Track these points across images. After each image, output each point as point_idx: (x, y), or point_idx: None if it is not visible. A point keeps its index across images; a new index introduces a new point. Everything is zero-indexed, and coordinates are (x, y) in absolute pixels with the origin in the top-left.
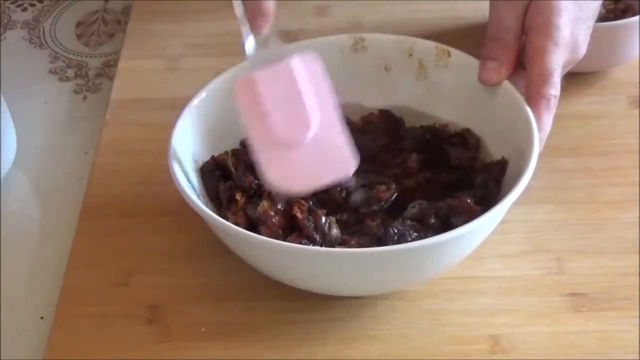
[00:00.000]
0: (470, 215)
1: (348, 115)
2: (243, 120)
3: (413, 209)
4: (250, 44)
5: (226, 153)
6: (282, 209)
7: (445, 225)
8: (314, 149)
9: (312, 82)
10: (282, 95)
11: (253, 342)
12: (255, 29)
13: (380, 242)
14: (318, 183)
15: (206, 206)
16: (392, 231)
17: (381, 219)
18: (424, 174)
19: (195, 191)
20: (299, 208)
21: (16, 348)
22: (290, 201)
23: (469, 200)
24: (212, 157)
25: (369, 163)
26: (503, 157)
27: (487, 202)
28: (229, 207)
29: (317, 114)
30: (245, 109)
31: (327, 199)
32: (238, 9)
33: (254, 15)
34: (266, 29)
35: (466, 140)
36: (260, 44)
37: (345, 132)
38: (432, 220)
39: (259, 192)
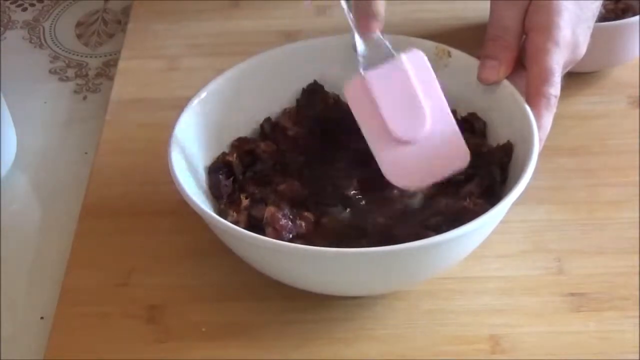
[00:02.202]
0: (473, 216)
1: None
2: (357, 120)
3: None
4: (359, 44)
5: (231, 153)
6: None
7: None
8: (429, 144)
9: (423, 79)
10: (396, 94)
11: (253, 342)
12: (364, 29)
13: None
14: (434, 177)
15: (208, 203)
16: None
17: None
18: None
19: (195, 191)
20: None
21: (16, 348)
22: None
23: (468, 201)
24: (223, 154)
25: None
26: (508, 141)
27: (493, 190)
28: (229, 204)
29: (430, 111)
30: (358, 109)
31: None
32: (345, 6)
33: (362, 15)
34: (377, 31)
35: (473, 125)
36: (370, 45)
37: (457, 127)
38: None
39: (263, 197)
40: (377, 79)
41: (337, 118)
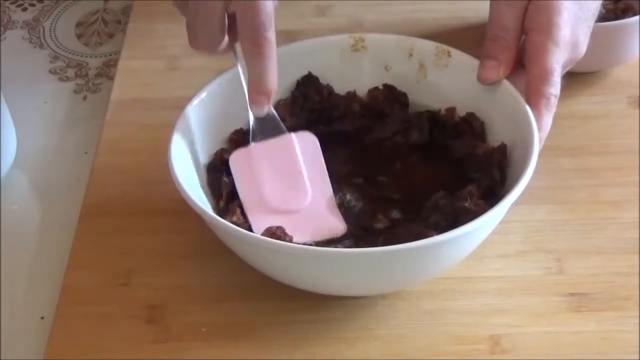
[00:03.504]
0: (473, 217)
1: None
2: (237, 189)
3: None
4: (250, 116)
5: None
6: None
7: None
8: (306, 215)
9: (308, 155)
10: (279, 167)
11: (253, 342)
12: (254, 104)
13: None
14: (311, 239)
15: (208, 203)
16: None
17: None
18: (428, 169)
19: (195, 191)
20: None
21: (16, 348)
22: None
23: (469, 202)
24: (221, 150)
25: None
26: (502, 142)
27: (493, 191)
28: (228, 203)
29: (311, 185)
30: (239, 178)
31: None
32: (242, 75)
33: (253, 91)
34: (266, 107)
35: (471, 125)
36: (260, 119)
37: (334, 204)
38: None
39: None
40: (262, 152)
41: (331, 108)
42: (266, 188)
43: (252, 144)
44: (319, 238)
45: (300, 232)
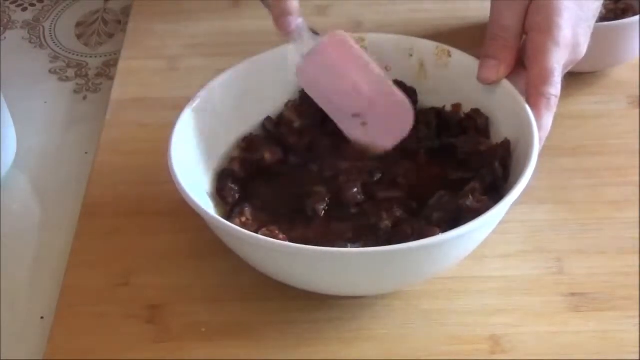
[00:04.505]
0: (476, 213)
1: None
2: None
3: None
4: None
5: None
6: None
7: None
8: (375, 112)
9: (349, 56)
10: (330, 75)
11: (253, 342)
12: (282, 28)
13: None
14: (395, 139)
15: (209, 205)
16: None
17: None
18: (433, 168)
19: (195, 191)
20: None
21: (16, 348)
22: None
23: (472, 198)
24: (230, 160)
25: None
26: (506, 138)
27: (495, 187)
28: (234, 206)
29: (367, 83)
30: (314, 94)
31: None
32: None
33: (278, 15)
34: (294, 26)
35: (475, 121)
36: (294, 37)
37: (397, 91)
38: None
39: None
40: (313, 64)
41: None
42: (335, 97)
43: (300, 62)
44: (401, 134)
45: (381, 128)
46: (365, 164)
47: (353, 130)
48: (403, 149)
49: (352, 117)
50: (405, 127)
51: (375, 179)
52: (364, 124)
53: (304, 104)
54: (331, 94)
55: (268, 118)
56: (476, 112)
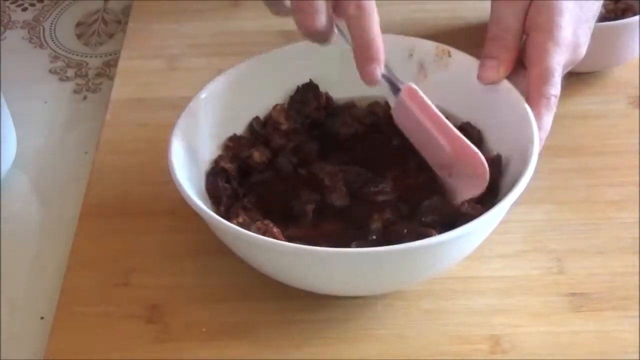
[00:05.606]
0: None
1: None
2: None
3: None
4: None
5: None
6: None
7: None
8: (459, 165)
9: (425, 109)
10: (416, 125)
11: (253, 342)
12: (367, 76)
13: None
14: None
15: (207, 205)
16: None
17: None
18: (423, 175)
19: (195, 191)
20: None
21: (16, 348)
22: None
23: (466, 205)
24: (219, 157)
25: (369, 164)
26: (497, 154)
27: (484, 201)
28: (229, 207)
29: (442, 135)
30: (412, 138)
31: None
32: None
33: (364, 59)
34: (378, 74)
35: (468, 134)
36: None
37: (465, 139)
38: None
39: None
40: (399, 117)
41: (326, 116)
42: (424, 149)
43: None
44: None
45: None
46: (353, 168)
47: (444, 180)
48: (394, 155)
49: (441, 168)
50: (481, 183)
51: (364, 182)
52: (450, 175)
53: (291, 108)
54: (421, 145)
55: (256, 118)
56: (468, 125)
